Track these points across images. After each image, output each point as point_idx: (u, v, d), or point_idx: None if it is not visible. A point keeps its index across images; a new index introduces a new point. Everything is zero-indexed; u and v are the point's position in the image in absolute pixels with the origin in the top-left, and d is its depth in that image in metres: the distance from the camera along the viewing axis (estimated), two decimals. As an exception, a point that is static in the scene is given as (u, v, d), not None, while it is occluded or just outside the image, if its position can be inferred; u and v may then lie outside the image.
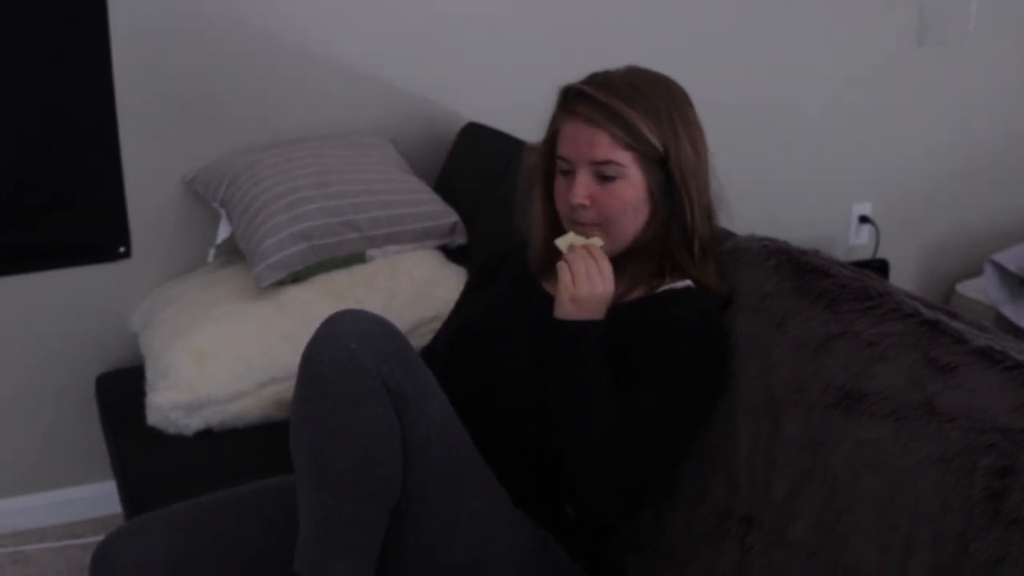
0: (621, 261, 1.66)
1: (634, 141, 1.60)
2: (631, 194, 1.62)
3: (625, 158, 1.61)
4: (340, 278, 2.31)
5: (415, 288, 2.30)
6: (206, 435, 2.14)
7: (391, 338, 1.46)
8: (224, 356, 2.17)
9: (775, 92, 3.11)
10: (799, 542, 1.42)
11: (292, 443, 1.46)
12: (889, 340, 1.41)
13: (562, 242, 1.65)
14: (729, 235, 1.76)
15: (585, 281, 1.58)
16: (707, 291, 1.66)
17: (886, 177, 3.35)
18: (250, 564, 1.57)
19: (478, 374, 1.67)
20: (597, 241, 1.63)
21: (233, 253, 2.52)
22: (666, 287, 1.66)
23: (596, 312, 1.59)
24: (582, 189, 1.63)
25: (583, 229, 1.65)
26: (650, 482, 1.57)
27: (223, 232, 2.45)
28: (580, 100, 1.63)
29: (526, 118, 1.79)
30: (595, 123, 1.61)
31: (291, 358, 1.93)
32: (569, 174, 1.65)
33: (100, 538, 1.59)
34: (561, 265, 1.61)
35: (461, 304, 1.91)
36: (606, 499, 1.55)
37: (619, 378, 1.57)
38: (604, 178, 1.62)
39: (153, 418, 2.13)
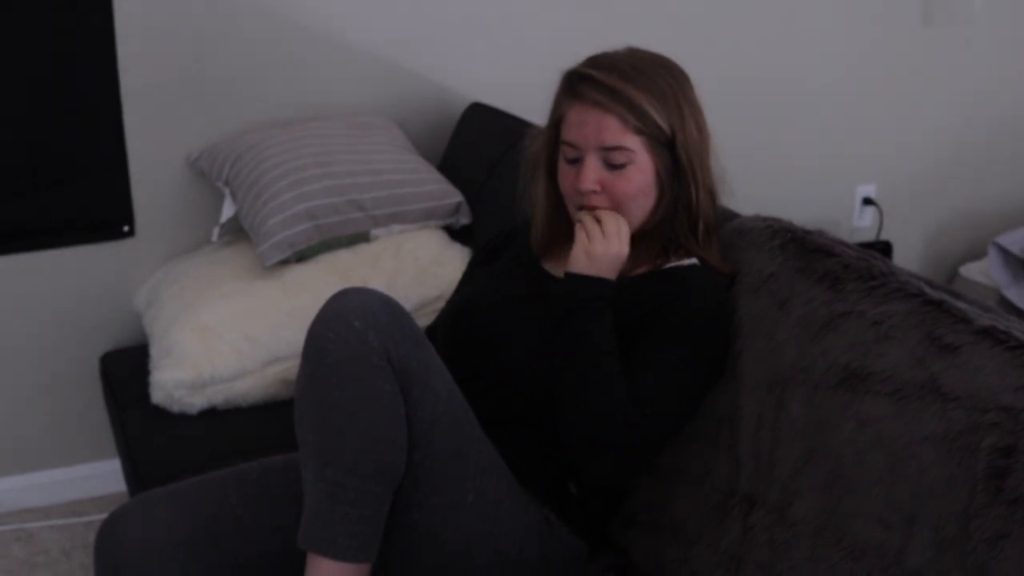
0: (627, 244, 1.67)
1: (643, 125, 1.59)
2: (640, 178, 1.62)
3: (634, 143, 1.60)
4: (344, 257, 2.31)
5: (419, 268, 2.30)
6: (210, 414, 2.15)
7: (396, 316, 1.46)
8: (229, 335, 2.17)
9: (780, 74, 3.10)
10: (802, 521, 1.42)
11: (297, 420, 1.46)
12: (893, 320, 1.41)
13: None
14: (733, 216, 1.76)
15: (600, 239, 1.59)
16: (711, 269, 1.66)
17: (890, 159, 3.34)
18: (253, 543, 1.57)
19: (480, 353, 1.67)
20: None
21: (237, 232, 2.52)
22: (671, 265, 1.66)
23: (607, 271, 1.60)
24: (592, 174, 1.62)
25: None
26: (651, 454, 1.60)
27: (227, 211, 2.45)
28: (586, 84, 1.61)
29: (530, 98, 1.78)
30: (603, 107, 1.59)
31: (296, 336, 1.94)
32: (576, 160, 1.64)
33: (104, 516, 1.60)
34: (579, 224, 1.61)
35: (464, 283, 1.91)
36: (606, 470, 1.57)
37: (625, 355, 1.57)
38: (613, 165, 1.61)
39: (157, 396, 2.14)
